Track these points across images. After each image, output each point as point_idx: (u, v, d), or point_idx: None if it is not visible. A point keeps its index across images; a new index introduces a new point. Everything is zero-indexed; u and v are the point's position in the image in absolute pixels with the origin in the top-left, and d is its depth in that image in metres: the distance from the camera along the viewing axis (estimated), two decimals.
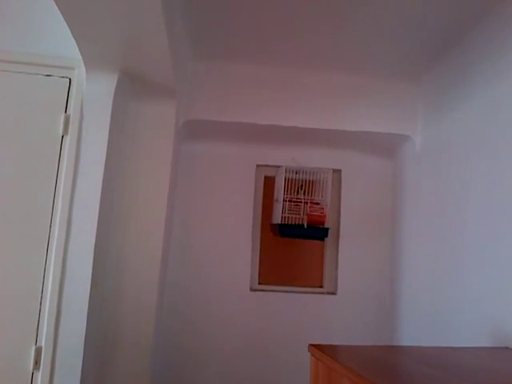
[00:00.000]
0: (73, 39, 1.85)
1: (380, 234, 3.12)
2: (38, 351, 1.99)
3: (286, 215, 2.87)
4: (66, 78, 2.16)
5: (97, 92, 2.11)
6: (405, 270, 2.83)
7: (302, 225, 2.86)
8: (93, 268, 2.04)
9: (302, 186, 2.96)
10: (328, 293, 3.07)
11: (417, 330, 2.60)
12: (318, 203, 2.91)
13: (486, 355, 1.56)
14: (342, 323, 2.99)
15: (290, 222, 2.87)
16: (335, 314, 3.01)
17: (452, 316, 2.22)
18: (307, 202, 2.90)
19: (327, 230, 2.91)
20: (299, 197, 2.92)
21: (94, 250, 2.05)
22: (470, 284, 2.09)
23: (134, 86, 2.26)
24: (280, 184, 2.94)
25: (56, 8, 1.64)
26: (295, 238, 2.98)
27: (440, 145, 2.50)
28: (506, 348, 1.70)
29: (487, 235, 1.99)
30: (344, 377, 1.16)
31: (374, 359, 1.34)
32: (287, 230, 2.90)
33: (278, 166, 3.03)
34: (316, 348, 1.42)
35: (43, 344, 2.00)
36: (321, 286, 3.11)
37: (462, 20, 2.11)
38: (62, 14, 1.67)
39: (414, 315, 2.65)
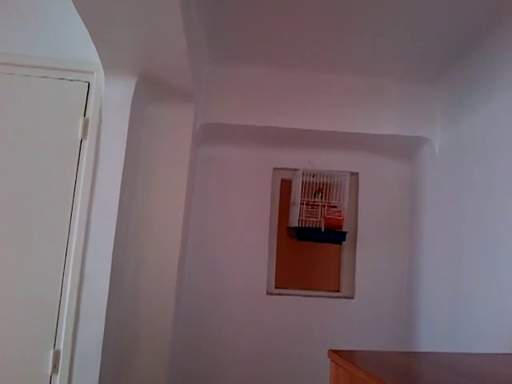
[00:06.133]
0: (92, 44, 1.86)
1: (398, 237, 3.08)
2: (57, 355, 2.00)
3: (303, 218, 2.86)
4: (85, 82, 2.17)
5: (115, 96, 2.12)
6: (423, 274, 2.80)
7: (320, 228, 2.84)
8: (111, 272, 2.05)
9: (319, 189, 2.95)
10: (345, 297, 3.04)
11: (435, 335, 2.56)
12: (335, 206, 2.89)
13: (511, 362, 1.52)
14: (359, 328, 2.96)
15: (307, 226, 2.85)
16: (352, 319, 2.98)
17: (472, 321, 2.18)
18: (324, 206, 2.88)
19: (345, 233, 2.90)
20: (316, 200, 2.91)
21: (112, 254, 2.05)
22: (491, 288, 2.05)
23: (152, 89, 2.27)
24: (297, 187, 2.93)
25: (75, 13, 1.65)
26: (312, 241, 2.96)
27: (460, 147, 2.46)
28: None
29: (510, 240, 1.95)
30: None
31: (397, 366, 1.32)
32: (304, 234, 2.89)
33: (295, 169, 3.02)
34: (337, 354, 1.39)
35: (61, 347, 2.01)
36: (338, 290, 3.08)
37: (482, 21, 2.08)
38: (81, 18, 1.68)
39: (433, 320, 2.61)
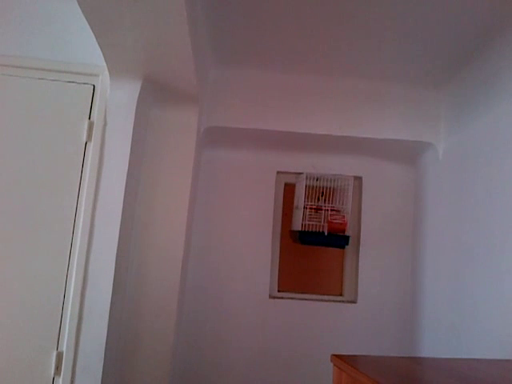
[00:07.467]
0: (97, 46, 1.87)
1: (401, 242, 3.08)
2: (59, 356, 2.00)
3: (307, 222, 2.86)
4: (90, 84, 2.18)
5: (120, 99, 2.13)
6: (426, 278, 2.79)
7: (323, 232, 2.84)
8: (114, 274, 2.05)
9: (322, 193, 2.95)
10: (348, 301, 3.04)
11: (438, 340, 2.55)
12: (338, 211, 2.89)
13: None
14: (362, 332, 2.96)
15: (310, 230, 2.85)
16: (355, 323, 2.97)
17: (475, 326, 2.17)
18: (328, 210, 2.88)
19: (348, 237, 2.89)
20: (320, 204, 2.91)
21: (116, 255, 2.06)
22: (494, 294, 2.04)
23: (156, 92, 2.27)
24: (300, 191, 2.93)
25: (81, 15, 1.66)
26: (315, 245, 2.96)
27: (464, 152, 2.46)
28: None
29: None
30: None
31: (400, 371, 1.32)
32: (307, 238, 2.89)
33: (299, 173, 3.02)
34: (339, 358, 1.39)
35: (64, 349, 2.00)
36: (341, 295, 3.08)
37: (486, 25, 2.07)
38: (87, 21, 1.69)
39: (436, 325, 2.60)
